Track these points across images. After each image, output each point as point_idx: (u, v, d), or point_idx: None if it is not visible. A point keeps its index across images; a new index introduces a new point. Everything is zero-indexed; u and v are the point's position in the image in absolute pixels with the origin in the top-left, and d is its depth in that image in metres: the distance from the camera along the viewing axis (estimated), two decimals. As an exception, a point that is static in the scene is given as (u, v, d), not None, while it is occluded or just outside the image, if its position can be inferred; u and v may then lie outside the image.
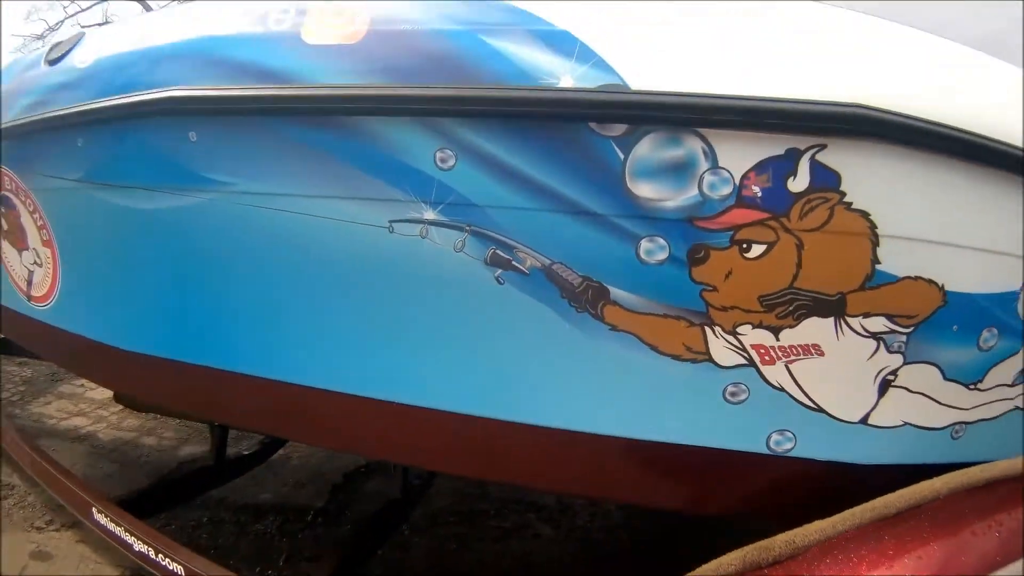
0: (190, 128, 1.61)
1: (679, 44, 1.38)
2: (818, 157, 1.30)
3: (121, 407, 3.42)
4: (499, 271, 1.50)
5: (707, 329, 1.53)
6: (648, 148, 1.36)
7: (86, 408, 3.74)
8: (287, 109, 1.50)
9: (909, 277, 1.38)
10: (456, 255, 1.51)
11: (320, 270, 1.60)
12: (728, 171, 1.35)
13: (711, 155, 1.35)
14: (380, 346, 1.61)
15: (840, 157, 1.30)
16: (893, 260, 1.37)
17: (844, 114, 1.26)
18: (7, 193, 2.17)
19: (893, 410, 1.54)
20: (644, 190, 1.39)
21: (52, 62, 1.92)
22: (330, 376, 1.66)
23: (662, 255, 1.44)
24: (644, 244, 1.43)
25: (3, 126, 2.01)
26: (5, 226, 2.27)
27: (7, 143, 2.05)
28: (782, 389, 1.55)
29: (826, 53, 1.34)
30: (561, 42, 1.38)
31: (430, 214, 1.49)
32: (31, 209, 2.09)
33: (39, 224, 2.09)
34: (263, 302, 1.68)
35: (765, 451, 1.60)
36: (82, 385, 3.92)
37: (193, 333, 1.80)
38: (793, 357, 1.53)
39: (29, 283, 2.27)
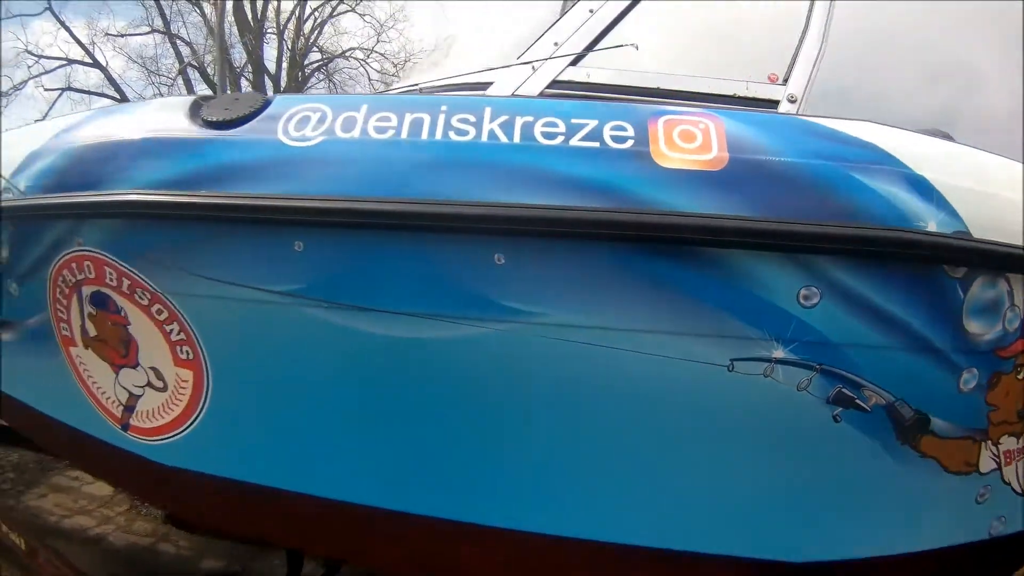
0: (497, 250, 1.33)
1: (1004, 200, 1.57)
2: None
3: (128, 507, 3.11)
4: (839, 409, 1.47)
5: (982, 444, 1.67)
6: (978, 289, 1.52)
7: (87, 505, 3.22)
8: (633, 236, 1.31)
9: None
10: (797, 394, 1.44)
11: (635, 411, 1.42)
12: (1020, 307, 1.59)
13: (1011, 295, 1.57)
14: (709, 498, 1.47)
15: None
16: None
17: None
18: (105, 291, 1.62)
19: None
20: (973, 326, 1.54)
21: (218, 124, 1.46)
22: (649, 532, 1.47)
23: (973, 383, 1.58)
24: (964, 375, 1.56)
25: (99, 199, 1.50)
26: (93, 332, 1.70)
27: (104, 224, 1.54)
28: (1009, 484, 1.79)
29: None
30: (922, 188, 1.44)
31: (780, 352, 1.41)
32: (162, 318, 1.58)
33: (175, 339, 1.58)
34: (559, 447, 1.45)
35: (986, 537, 1.80)
36: (76, 478, 3.40)
37: (442, 481, 1.50)
38: (1020, 457, 1.76)
39: (128, 409, 1.72)
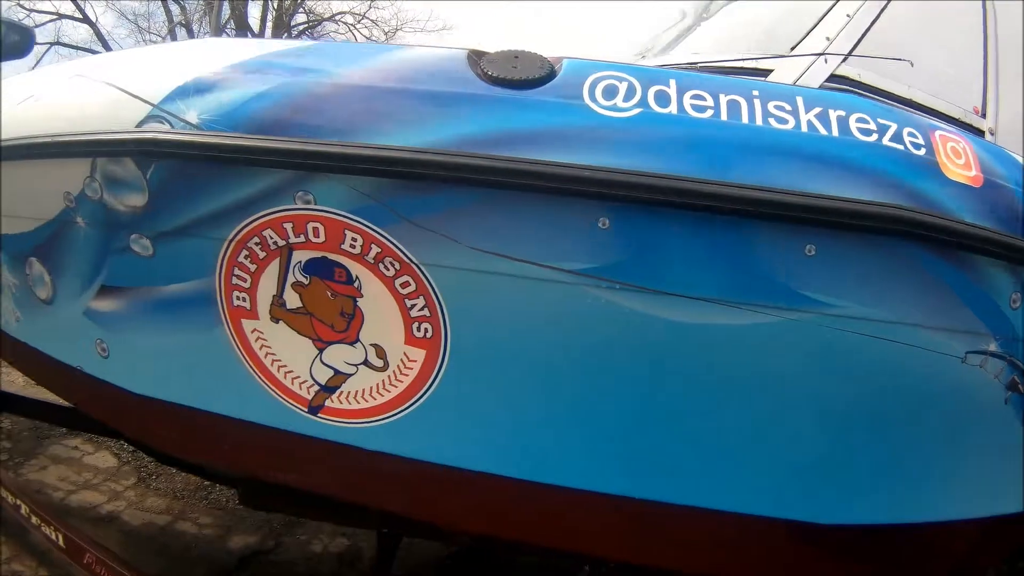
0: (810, 241, 1.34)
1: None
2: None
3: (136, 480, 2.93)
4: (1010, 394, 1.68)
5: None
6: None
7: (92, 479, 2.94)
8: (938, 238, 1.41)
9: None
10: (992, 381, 1.63)
11: (888, 398, 1.52)
12: None
13: None
14: (927, 472, 1.61)
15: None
16: None
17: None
18: (335, 258, 1.38)
19: None
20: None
21: (513, 83, 1.30)
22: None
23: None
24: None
25: (363, 152, 1.28)
26: (295, 304, 1.44)
27: (357, 181, 1.32)
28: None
29: None
30: None
31: (993, 346, 1.58)
32: (406, 291, 1.38)
33: (416, 315, 1.40)
34: (834, 436, 1.51)
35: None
36: (75, 447, 3.18)
37: (720, 471, 1.49)
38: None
39: (328, 389, 1.48)
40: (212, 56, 1.48)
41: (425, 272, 1.38)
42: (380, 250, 1.37)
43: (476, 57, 1.39)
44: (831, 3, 1.71)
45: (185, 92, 1.40)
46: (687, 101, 1.35)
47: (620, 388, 1.45)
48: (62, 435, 3.19)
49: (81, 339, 1.72)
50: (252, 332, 1.51)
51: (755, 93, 1.38)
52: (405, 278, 1.39)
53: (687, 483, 1.50)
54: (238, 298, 1.49)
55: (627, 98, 1.34)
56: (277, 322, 1.48)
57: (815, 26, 1.70)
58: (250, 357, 1.53)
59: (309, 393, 1.51)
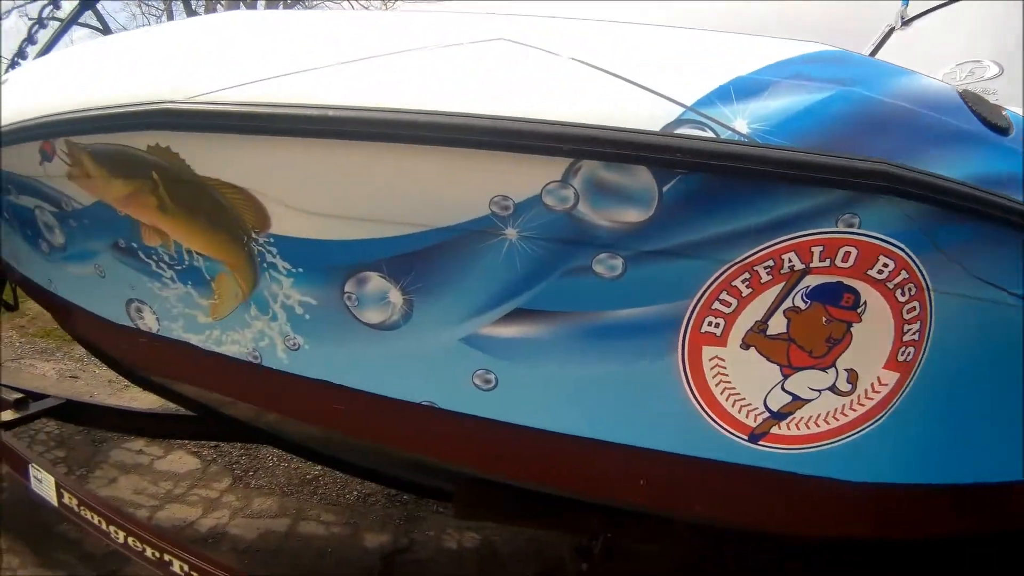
0: None
1: None
2: None
3: (231, 481, 2.58)
4: None
5: None
6: None
7: (175, 488, 2.49)
8: None
9: None
10: None
11: None
12: None
13: None
14: None
15: None
16: None
17: None
18: (853, 283, 1.25)
19: None
20: None
21: (997, 128, 1.27)
22: None
23: None
24: None
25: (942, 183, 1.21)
26: (778, 329, 1.28)
27: (911, 207, 1.21)
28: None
29: None
30: None
31: None
32: (909, 316, 1.30)
33: (907, 339, 1.32)
34: None
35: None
36: (140, 451, 2.74)
37: None
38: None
39: (778, 416, 1.36)
40: (737, 53, 1.25)
41: (932, 298, 1.34)
42: (907, 276, 1.29)
43: (970, 98, 1.35)
44: None
45: (726, 95, 1.17)
46: None
47: None
48: (120, 438, 2.72)
49: (448, 370, 1.40)
50: (711, 360, 1.35)
51: None
52: (914, 304, 1.34)
53: None
54: (710, 324, 1.32)
55: None
56: (747, 349, 1.34)
57: None
58: (697, 386, 1.37)
59: (755, 421, 1.41)
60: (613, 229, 1.23)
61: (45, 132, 1.45)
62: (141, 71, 1.35)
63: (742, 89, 1.18)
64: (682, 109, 1.16)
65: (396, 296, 1.37)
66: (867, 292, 1.32)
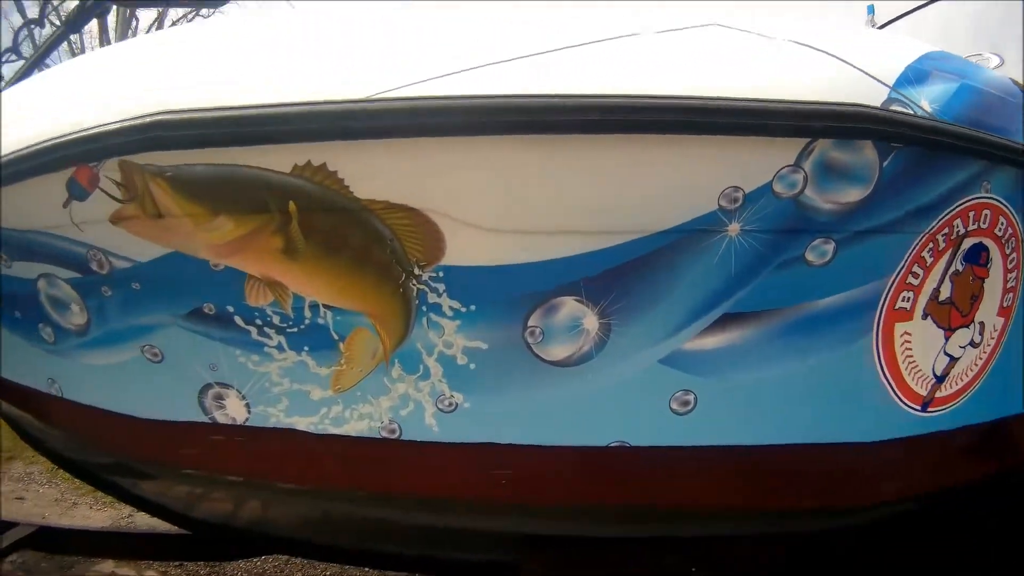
0: None
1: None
2: None
3: None
4: None
5: None
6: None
7: None
8: None
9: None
10: None
11: None
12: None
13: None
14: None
15: None
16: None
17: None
18: (987, 242, 1.31)
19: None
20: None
21: None
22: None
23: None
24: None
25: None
26: (946, 294, 1.28)
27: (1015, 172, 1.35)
28: None
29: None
30: None
31: None
32: (1010, 265, 1.40)
33: (1009, 286, 1.43)
34: None
35: None
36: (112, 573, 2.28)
37: None
38: None
39: (939, 379, 1.37)
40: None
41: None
42: (1012, 231, 1.42)
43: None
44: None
45: (910, 78, 1.21)
46: None
47: None
48: (89, 560, 2.30)
49: (643, 399, 1.22)
50: (901, 336, 1.35)
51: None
52: (1014, 255, 1.47)
53: None
54: (903, 299, 1.33)
55: None
56: (926, 319, 1.37)
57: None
58: (888, 366, 1.37)
59: (926, 389, 1.44)
60: (833, 211, 1.19)
61: (86, 152, 0.99)
62: (274, 66, 0.98)
63: (917, 75, 1.25)
64: (887, 88, 1.17)
65: (591, 322, 1.17)
66: (992, 248, 1.43)
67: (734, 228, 1.16)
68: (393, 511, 1.41)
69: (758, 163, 1.12)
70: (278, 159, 0.98)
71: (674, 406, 1.26)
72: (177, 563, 2.23)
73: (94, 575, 2.29)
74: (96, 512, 2.88)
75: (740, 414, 1.31)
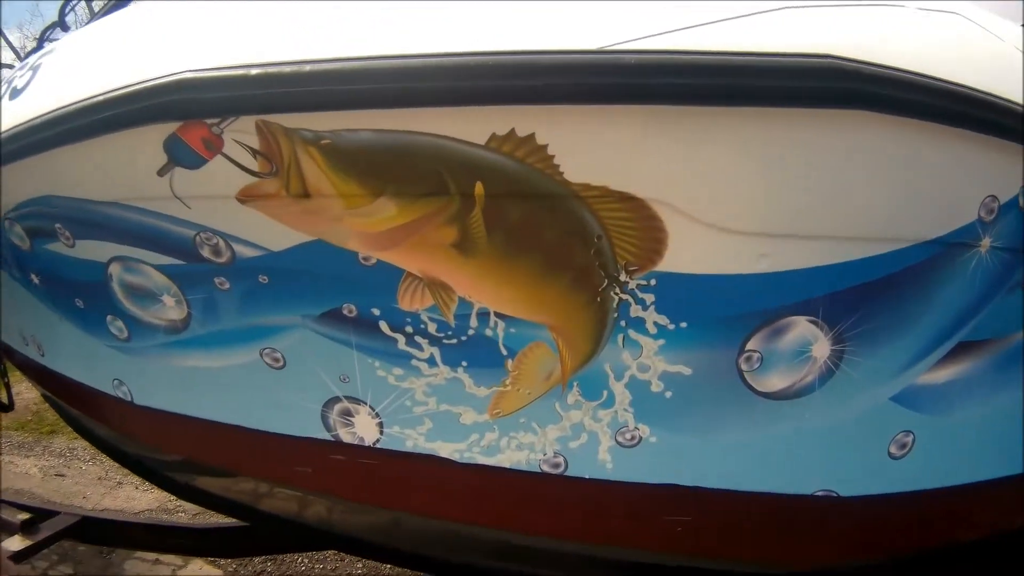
0: None
1: None
2: None
3: None
4: None
5: None
6: None
7: None
8: None
9: None
10: None
11: None
12: None
13: None
14: None
15: None
16: None
17: None
18: None
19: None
20: None
21: None
22: None
23: None
24: None
25: None
26: None
27: None
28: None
29: None
30: None
31: None
32: None
33: None
34: None
35: None
36: (158, 560, 2.14)
37: None
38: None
39: None
40: None
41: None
42: None
43: None
44: None
45: None
46: None
47: None
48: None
49: (864, 441, 1.01)
50: None
51: None
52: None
53: None
54: None
55: None
56: None
57: None
58: None
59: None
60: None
61: (201, 104, 0.73)
62: (472, 10, 0.71)
63: None
64: None
65: (822, 348, 0.92)
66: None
67: (985, 243, 0.93)
68: (536, 552, 1.19)
69: (1012, 171, 0.88)
70: (471, 126, 0.72)
71: (892, 449, 1.03)
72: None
73: (138, 562, 2.14)
74: (142, 494, 2.67)
75: (958, 452, 1.08)
